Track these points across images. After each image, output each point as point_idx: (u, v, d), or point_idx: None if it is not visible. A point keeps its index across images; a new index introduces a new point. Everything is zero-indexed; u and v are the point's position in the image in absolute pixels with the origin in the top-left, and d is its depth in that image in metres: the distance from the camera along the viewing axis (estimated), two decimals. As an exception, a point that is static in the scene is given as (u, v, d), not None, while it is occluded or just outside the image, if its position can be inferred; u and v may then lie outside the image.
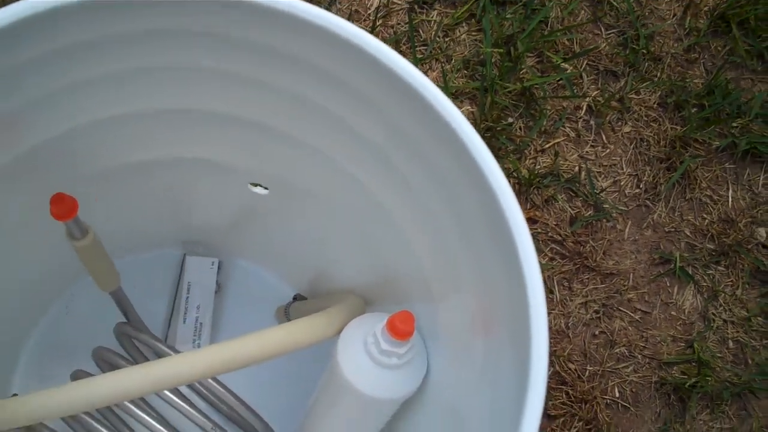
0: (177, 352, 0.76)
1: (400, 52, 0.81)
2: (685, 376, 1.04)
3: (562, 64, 1.14)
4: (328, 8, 1.14)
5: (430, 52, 1.13)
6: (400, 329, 0.59)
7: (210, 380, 0.75)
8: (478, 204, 0.51)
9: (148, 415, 0.72)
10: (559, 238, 1.08)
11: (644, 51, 1.17)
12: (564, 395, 1.02)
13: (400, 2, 1.16)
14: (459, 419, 0.58)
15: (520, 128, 1.11)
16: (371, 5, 1.15)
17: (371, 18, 1.14)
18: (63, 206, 0.60)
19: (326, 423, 0.70)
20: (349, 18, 1.12)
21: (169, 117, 0.64)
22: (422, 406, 0.65)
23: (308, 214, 0.76)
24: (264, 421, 0.77)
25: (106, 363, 0.77)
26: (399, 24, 1.14)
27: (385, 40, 1.13)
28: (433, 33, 1.14)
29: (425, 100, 0.50)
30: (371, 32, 1.07)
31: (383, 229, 0.66)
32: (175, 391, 0.74)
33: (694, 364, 1.05)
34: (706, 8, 1.22)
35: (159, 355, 0.78)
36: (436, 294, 0.64)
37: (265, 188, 0.77)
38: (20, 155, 0.61)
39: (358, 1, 1.14)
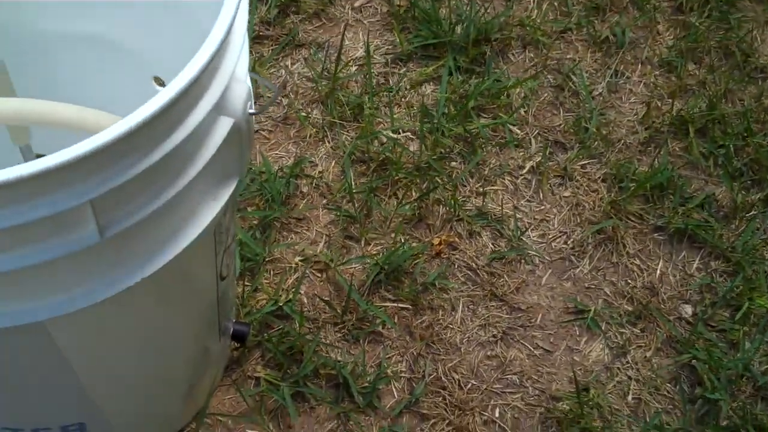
0: None
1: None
2: (573, 412, 1.02)
3: (513, 128, 1.24)
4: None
5: (392, 97, 1.26)
6: None
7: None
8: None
9: None
10: (475, 266, 1.13)
11: (596, 130, 1.26)
12: (440, 399, 1.02)
13: (379, 58, 1.32)
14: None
15: (459, 170, 1.20)
16: (355, 54, 1.32)
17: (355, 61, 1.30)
18: None
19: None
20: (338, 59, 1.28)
21: None
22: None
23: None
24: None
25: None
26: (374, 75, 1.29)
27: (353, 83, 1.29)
28: (401, 83, 1.28)
29: None
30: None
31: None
32: None
33: (587, 407, 1.03)
34: (667, 113, 1.30)
35: None
36: None
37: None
38: None
39: (346, 49, 1.31)
